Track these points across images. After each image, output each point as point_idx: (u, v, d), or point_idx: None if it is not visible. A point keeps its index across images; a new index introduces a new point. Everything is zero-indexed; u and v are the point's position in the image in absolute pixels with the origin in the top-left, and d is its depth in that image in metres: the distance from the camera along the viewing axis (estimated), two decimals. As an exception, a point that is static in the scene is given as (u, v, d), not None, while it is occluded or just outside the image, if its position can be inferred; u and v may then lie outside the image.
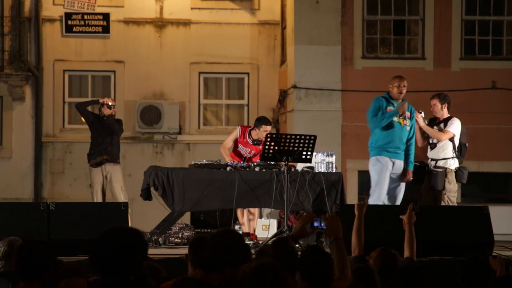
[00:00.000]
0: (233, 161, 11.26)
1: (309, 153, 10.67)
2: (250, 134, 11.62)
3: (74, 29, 18.87)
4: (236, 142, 11.71)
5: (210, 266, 4.70)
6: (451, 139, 11.12)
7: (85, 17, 18.85)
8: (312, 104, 17.12)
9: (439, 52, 17.36)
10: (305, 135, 10.72)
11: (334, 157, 11.27)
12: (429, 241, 9.71)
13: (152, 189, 11.07)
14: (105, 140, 12.71)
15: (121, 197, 12.56)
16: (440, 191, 11.01)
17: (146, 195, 11.13)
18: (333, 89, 17.16)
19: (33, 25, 18.85)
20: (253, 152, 11.65)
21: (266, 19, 19.13)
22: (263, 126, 11.49)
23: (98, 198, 12.65)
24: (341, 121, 17.19)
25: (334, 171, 11.15)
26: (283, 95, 18.29)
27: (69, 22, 18.84)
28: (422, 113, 11.29)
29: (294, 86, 17.19)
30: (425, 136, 11.30)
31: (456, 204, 11.03)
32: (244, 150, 11.66)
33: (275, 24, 19.11)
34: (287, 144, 10.59)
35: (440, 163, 11.08)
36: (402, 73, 17.12)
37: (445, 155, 11.10)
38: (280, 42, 19.05)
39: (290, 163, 10.73)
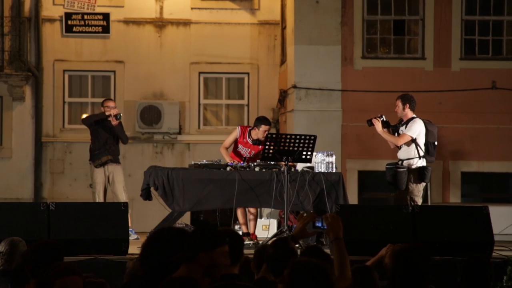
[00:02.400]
0: (233, 161, 11.26)
1: (309, 153, 10.67)
2: (250, 134, 11.62)
3: (74, 29, 18.87)
4: (236, 142, 11.71)
5: (186, 255, 4.72)
6: (414, 140, 11.10)
7: (85, 17, 18.85)
8: (312, 104, 17.12)
9: (439, 52, 17.35)
10: (305, 135, 10.72)
11: (334, 157, 11.27)
12: (429, 241, 9.71)
13: (152, 189, 11.07)
14: (108, 141, 12.74)
15: (123, 197, 12.58)
16: (404, 191, 10.99)
17: (146, 195, 11.13)
18: (333, 89, 17.15)
19: (33, 25, 18.84)
20: (253, 152, 11.65)
21: (266, 19, 19.13)
22: (263, 126, 11.49)
23: (100, 198, 12.66)
24: (341, 121, 17.18)
25: (334, 171, 11.15)
26: (283, 95, 18.29)
27: (69, 22, 18.84)
28: (383, 117, 11.26)
29: (294, 86, 17.18)
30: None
31: (419, 204, 10.98)
32: (244, 150, 11.66)
33: (275, 24, 19.11)
34: (287, 144, 10.60)
35: (405, 163, 11.08)
36: (402, 73, 17.26)
37: (409, 155, 11.11)
38: (280, 42, 19.05)
39: (290, 163, 10.74)
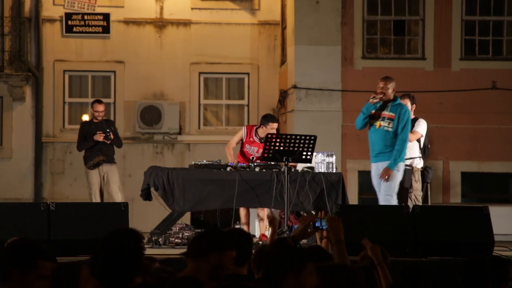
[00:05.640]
0: (233, 161, 11.25)
1: (309, 153, 10.66)
2: (256, 133, 11.59)
3: (74, 29, 18.87)
4: (242, 144, 11.66)
5: (195, 252, 4.70)
6: (418, 139, 11.15)
7: (85, 17, 18.85)
8: (312, 104, 17.12)
9: (439, 52, 17.35)
10: (305, 135, 10.71)
11: (334, 157, 11.26)
12: (429, 241, 9.72)
13: (152, 189, 11.06)
14: (99, 142, 12.71)
15: (119, 197, 12.58)
16: (407, 189, 11.01)
17: (146, 195, 11.12)
18: (333, 89, 17.15)
19: (33, 25, 18.84)
20: (260, 150, 11.61)
21: (266, 19, 19.13)
22: (270, 123, 11.45)
23: (97, 199, 12.67)
24: (341, 121, 17.18)
25: (334, 171, 11.14)
26: (283, 95, 18.29)
27: (69, 22, 18.84)
28: None
29: (294, 86, 17.18)
30: None
31: (421, 203, 10.99)
32: (251, 150, 11.59)
33: (275, 24, 19.11)
34: (287, 144, 10.58)
35: (408, 162, 11.08)
36: (402, 73, 17.23)
37: (412, 154, 11.13)
38: (280, 42, 19.05)
39: (290, 163, 10.72)
